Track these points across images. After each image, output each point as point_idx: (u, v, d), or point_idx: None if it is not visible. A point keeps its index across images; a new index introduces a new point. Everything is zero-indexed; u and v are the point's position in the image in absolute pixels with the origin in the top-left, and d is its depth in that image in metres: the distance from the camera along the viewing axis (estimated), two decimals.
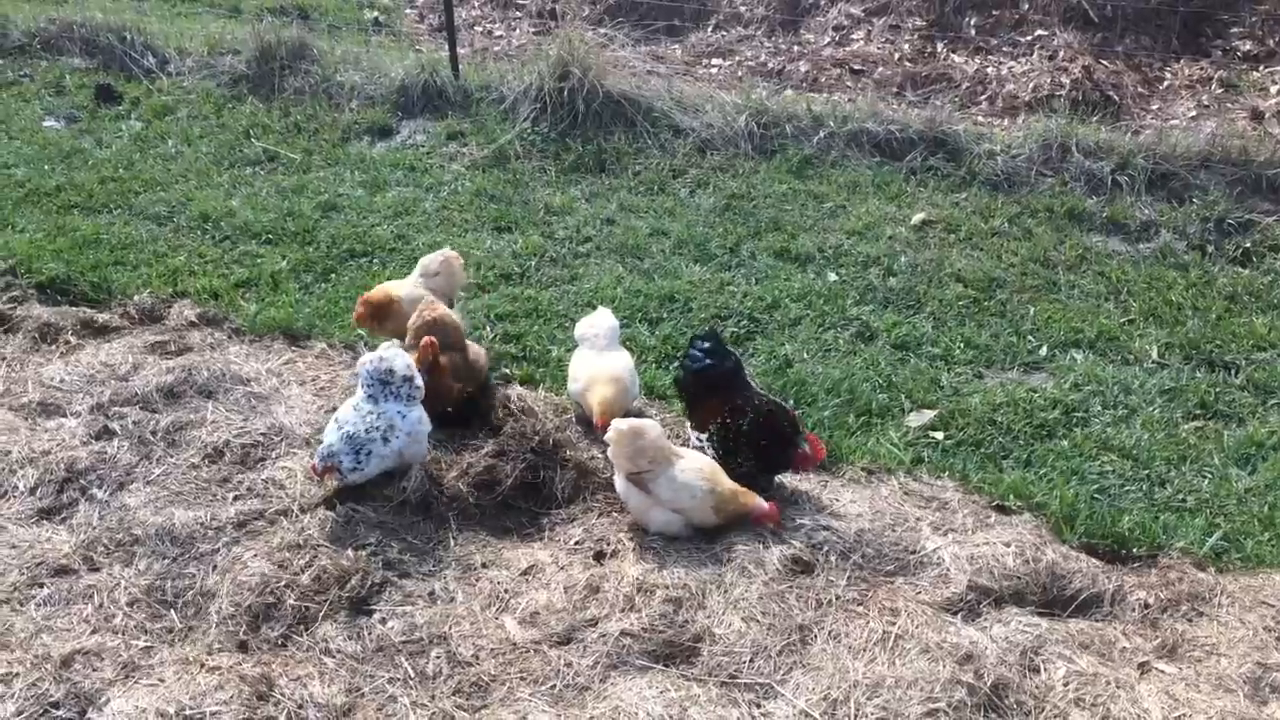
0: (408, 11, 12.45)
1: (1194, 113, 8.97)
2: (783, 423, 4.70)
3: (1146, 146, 7.79)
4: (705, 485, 4.43)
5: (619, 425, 4.46)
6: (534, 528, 4.73)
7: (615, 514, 4.65)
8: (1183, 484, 4.97)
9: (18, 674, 3.75)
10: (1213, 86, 9.39)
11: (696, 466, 4.49)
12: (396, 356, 4.73)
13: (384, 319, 5.48)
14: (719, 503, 4.44)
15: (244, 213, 7.47)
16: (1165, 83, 9.58)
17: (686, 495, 4.42)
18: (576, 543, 4.54)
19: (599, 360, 5.11)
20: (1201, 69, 9.65)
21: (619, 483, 4.56)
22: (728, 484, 4.49)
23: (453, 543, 4.53)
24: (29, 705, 3.66)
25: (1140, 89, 9.38)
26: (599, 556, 4.45)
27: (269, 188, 7.94)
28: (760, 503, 4.49)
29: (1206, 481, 4.99)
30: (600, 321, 5.27)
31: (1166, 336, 6.11)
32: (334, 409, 4.91)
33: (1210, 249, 7.06)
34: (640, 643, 3.97)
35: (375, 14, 12.00)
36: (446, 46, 9.53)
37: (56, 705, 3.68)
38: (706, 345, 4.93)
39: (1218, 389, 5.64)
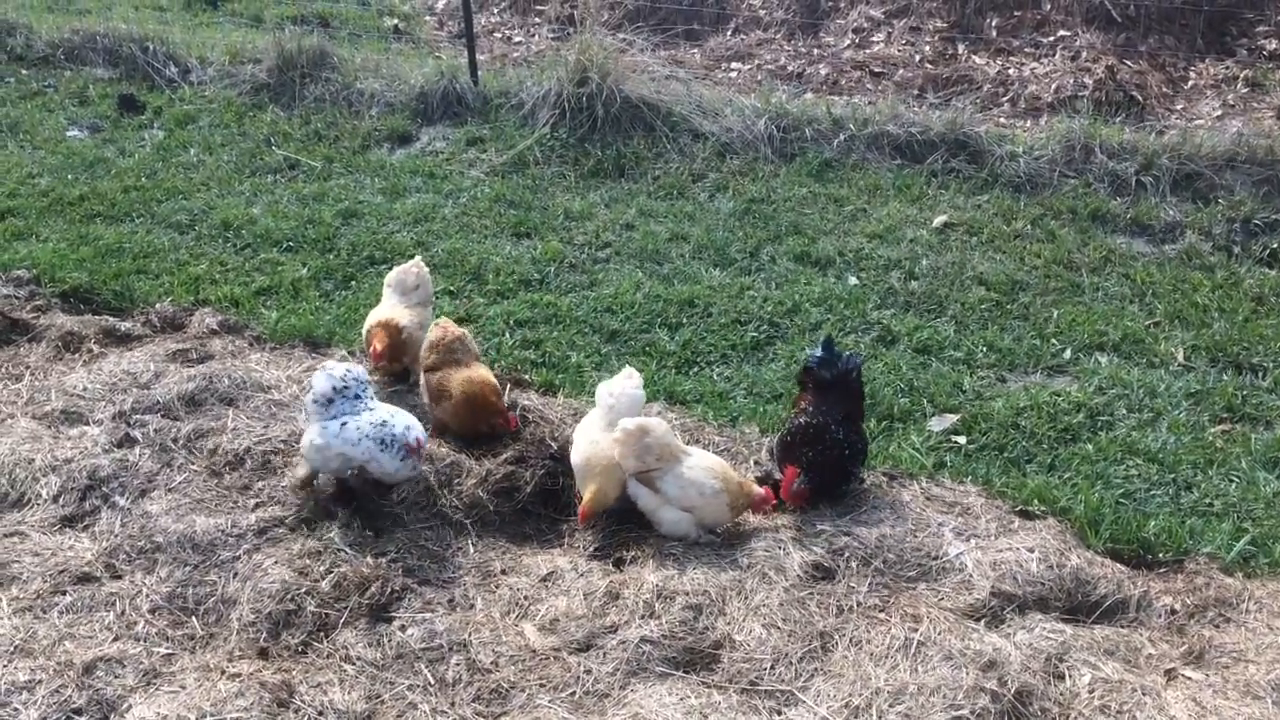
0: (427, 19, 12.50)
1: (1219, 112, 8.89)
2: (803, 447, 4.63)
3: (1171, 147, 7.72)
4: (716, 484, 4.42)
5: (626, 424, 4.45)
6: (553, 534, 4.73)
7: (634, 520, 4.63)
8: (1209, 488, 4.91)
9: (41, 681, 3.77)
10: (1238, 86, 9.31)
11: (706, 465, 4.48)
12: (345, 365, 4.75)
13: (399, 354, 5.44)
14: (732, 500, 4.45)
15: (265, 220, 7.51)
16: (1190, 82, 9.50)
17: (695, 492, 4.41)
18: (596, 549, 4.53)
19: (604, 439, 4.58)
20: (1226, 68, 9.57)
21: (629, 485, 4.54)
22: (735, 479, 4.49)
23: (472, 549, 4.53)
24: (52, 712, 3.68)
25: (1164, 89, 9.30)
26: (619, 563, 4.44)
27: (290, 195, 7.98)
28: (757, 490, 4.52)
29: (1234, 486, 4.92)
30: (618, 386, 4.70)
31: (1192, 339, 6.04)
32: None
33: (1236, 250, 6.99)
34: (660, 649, 3.95)
35: (395, 22, 12.06)
36: (466, 53, 9.56)
37: (79, 712, 3.70)
38: (822, 352, 4.82)
39: (1245, 392, 5.58)
